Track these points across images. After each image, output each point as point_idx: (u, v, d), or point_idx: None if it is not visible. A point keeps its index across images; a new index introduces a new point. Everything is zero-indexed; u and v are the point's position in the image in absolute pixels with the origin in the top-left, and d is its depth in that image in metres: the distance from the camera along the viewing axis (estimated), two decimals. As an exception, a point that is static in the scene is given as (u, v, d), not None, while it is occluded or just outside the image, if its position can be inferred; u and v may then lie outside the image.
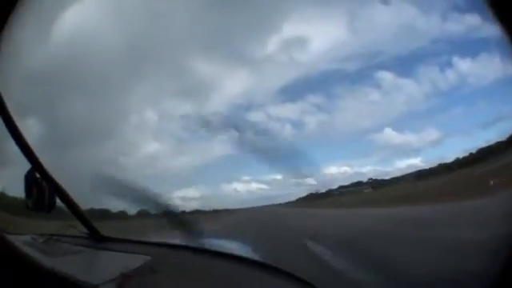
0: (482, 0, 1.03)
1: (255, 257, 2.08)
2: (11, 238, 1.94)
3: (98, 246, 2.43)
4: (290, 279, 1.75)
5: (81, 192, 2.41)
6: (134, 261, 1.94)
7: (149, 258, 2.02)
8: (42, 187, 2.11)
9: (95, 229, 2.51)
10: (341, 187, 7.13)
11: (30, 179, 2.11)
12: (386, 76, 7.03)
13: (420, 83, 7.00)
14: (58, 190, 2.22)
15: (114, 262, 2.11)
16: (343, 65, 6.92)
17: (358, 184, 7.05)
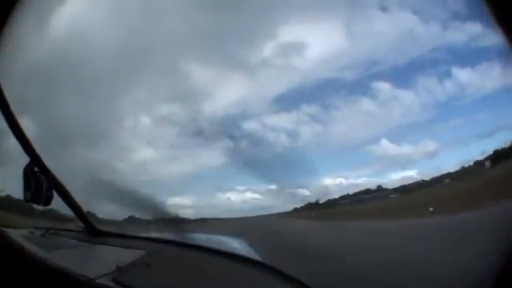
0: (483, 7, 1.01)
1: (247, 254, 2.15)
2: (8, 231, 1.99)
3: (94, 241, 2.48)
4: (281, 277, 1.80)
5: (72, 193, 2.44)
6: (128, 255, 2.00)
7: (143, 252, 2.08)
8: (40, 180, 2.15)
9: (91, 223, 2.56)
10: (342, 197, 7.18)
11: (28, 172, 2.15)
12: (384, 86, 7.02)
13: (418, 93, 7.00)
14: (55, 184, 2.26)
15: (109, 256, 2.16)
16: (340, 73, 6.89)
17: (364, 193, 7.12)
